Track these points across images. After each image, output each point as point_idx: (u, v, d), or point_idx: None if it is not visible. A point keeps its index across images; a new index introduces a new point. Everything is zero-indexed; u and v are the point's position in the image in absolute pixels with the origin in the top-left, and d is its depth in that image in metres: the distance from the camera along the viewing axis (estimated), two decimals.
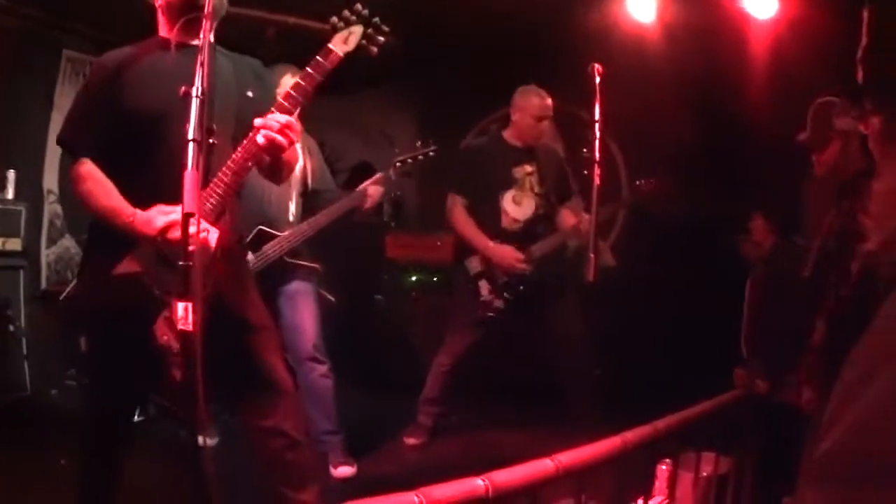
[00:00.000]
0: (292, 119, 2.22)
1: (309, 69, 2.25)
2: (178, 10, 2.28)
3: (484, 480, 1.52)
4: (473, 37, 5.33)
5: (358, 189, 3.73)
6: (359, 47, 2.27)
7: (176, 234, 2.06)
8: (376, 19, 2.28)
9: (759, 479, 3.02)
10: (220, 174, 2.20)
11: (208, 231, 2.13)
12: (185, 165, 1.69)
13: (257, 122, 2.19)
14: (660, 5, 4.45)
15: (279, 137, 2.18)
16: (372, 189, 3.70)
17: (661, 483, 2.66)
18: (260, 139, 2.18)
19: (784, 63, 4.25)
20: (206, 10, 1.90)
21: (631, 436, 1.96)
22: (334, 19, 2.27)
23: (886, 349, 0.98)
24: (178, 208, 1.90)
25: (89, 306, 2.34)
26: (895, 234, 1.08)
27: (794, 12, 4.10)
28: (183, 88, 1.76)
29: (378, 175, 3.80)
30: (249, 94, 2.44)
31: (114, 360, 2.34)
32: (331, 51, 2.24)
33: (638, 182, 4.24)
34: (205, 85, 1.77)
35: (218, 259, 2.19)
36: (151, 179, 2.20)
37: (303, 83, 2.24)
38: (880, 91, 1.15)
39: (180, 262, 1.68)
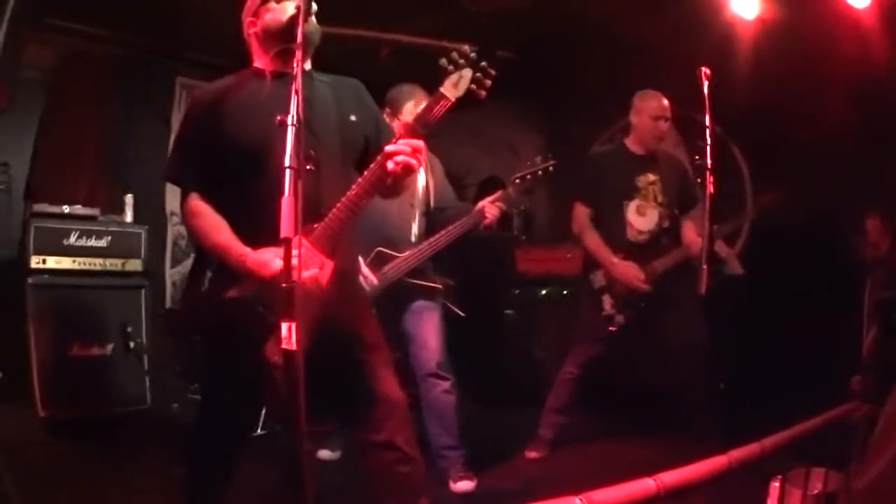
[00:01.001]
0: (421, 143, 2.26)
1: (422, 114, 2.28)
2: (273, 41, 2.34)
3: (582, 500, 1.51)
4: (596, 46, 5.31)
5: (476, 208, 3.69)
6: (468, 91, 2.29)
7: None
8: (484, 63, 2.29)
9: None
10: (336, 207, 2.24)
11: (322, 265, 2.18)
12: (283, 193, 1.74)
13: (388, 148, 2.23)
14: (762, 2, 4.32)
15: (413, 161, 2.22)
16: (488, 208, 3.69)
17: (771, 500, 2.57)
18: (391, 164, 2.21)
19: (885, 53, 4.06)
20: (298, 41, 1.95)
21: (737, 454, 1.91)
22: (444, 61, 2.29)
23: None
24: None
25: (198, 324, 2.43)
26: None
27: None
28: (279, 118, 1.81)
29: (497, 193, 3.79)
30: (353, 118, 2.47)
31: (224, 379, 2.41)
32: (443, 96, 2.27)
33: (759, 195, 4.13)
34: (300, 112, 1.81)
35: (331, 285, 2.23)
36: (255, 210, 2.22)
37: (418, 124, 2.28)
38: None
39: (283, 284, 1.73)
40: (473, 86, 2.28)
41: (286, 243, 1.70)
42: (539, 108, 6.70)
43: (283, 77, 2.32)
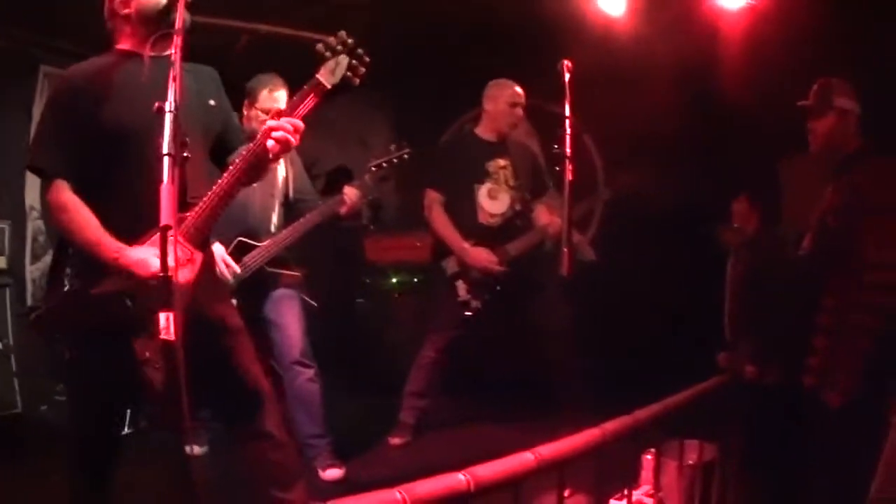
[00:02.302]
0: (301, 123, 2.26)
1: (298, 99, 2.29)
2: (149, 24, 2.28)
3: (465, 475, 1.55)
4: (445, 36, 5.36)
5: (336, 196, 3.75)
6: (343, 77, 2.31)
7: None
8: (360, 50, 2.32)
9: (744, 464, 3.06)
10: (208, 197, 2.22)
11: (192, 257, 2.15)
12: (160, 180, 1.71)
13: (270, 123, 2.23)
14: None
15: (291, 139, 2.23)
16: (348, 194, 3.72)
17: (646, 473, 2.70)
18: (271, 142, 2.21)
19: (757, 48, 4.30)
20: (177, 26, 1.92)
21: (611, 426, 1.99)
22: (320, 47, 2.31)
23: None
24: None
25: (66, 323, 2.30)
26: None
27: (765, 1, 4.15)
28: (157, 104, 1.77)
29: (355, 182, 3.81)
30: (212, 102, 2.47)
31: (93, 377, 2.33)
32: (318, 82, 2.28)
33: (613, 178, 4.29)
34: (178, 99, 1.78)
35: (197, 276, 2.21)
36: (126, 197, 2.20)
37: (292, 109, 2.28)
38: None
39: (160, 274, 1.70)
40: (349, 73, 2.30)
41: (164, 231, 1.67)
42: (387, 99, 6.74)
43: (154, 60, 2.27)
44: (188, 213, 2.20)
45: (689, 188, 4.81)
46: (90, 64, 2.34)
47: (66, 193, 2.24)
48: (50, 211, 2.29)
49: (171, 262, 1.69)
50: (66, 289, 2.27)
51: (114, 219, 2.21)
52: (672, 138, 4.85)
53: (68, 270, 2.29)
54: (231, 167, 2.25)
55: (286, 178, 3.82)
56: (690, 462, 2.83)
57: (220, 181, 2.23)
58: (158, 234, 2.08)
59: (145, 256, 2.13)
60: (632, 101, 4.75)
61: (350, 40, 2.32)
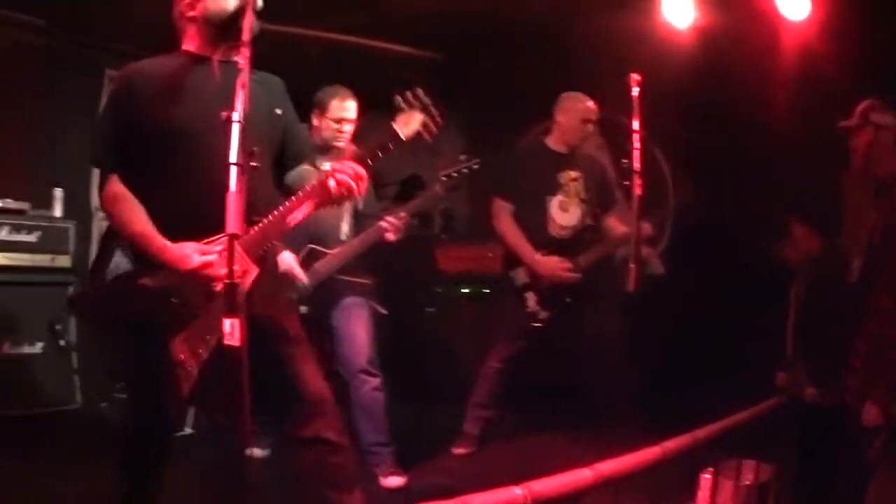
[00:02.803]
0: (364, 172, 2.30)
1: (375, 145, 2.36)
2: (215, 30, 2.32)
3: (522, 489, 1.54)
4: (517, 48, 5.36)
5: (376, 226, 3.72)
6: (416, 132, 2.39)
7: (210, 272, 2.14)
8: (434, 110, 2.39)
9: (799, 486, 3.00)
10: (270, 218, 2.25)
11: (248, 271, 2.17)
12: (218, 185, 1.74)
13: (333, 166, 2.28)
14: (696, 10, 4.42)
15: (353, 185, 2.26)
16: (389, 221, 3.68)
17: (703, 492, 2.66)
18: (332, 183, 2.24)
19: (817, 64, 4.22)
20: (246, 36, 1.94)
21: (670, 445, 1.97)
22: (398, 99, 2.39)
23: None
24: (214, 247, 2.08)
25: (105, 309, 2.39)
26: None
27: (827, 13, 4.07)
28: (224, 114, 1.79)
29: (416, 196, 3.82)
30: (278, 111, 2.49)
31: (138, 373, 2.40)
32: (395, 132, 2.35)
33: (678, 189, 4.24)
34: (246, 109, 1.80)
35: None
36: (179, 196, 2.25)
37: (368, 154, 2.35)
38: None
39: (226, 281, 1.73)
40: (422, 129, 2.37)
41: (232, 240, 1.69)
42: (460, 108, 6.74)
43: (222, 66, 2.30)
44: (248, 231, 2.21)
45: (752, 203, 4.73)
46: (152, 62, 2.37)
47: (118, 186, 2.30)
48: (102, 202, 2.36)
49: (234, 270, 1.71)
50: (110, 277, 2.34)
51: (165, 217, 2.26)
52: (735, 150, 4.78)
53: (114, 260, 2.35)
54: (293, 198, 2.28)
55: None
56: (747, 482, 2.78)
57: (279, 209, 2.26)
58: (212, 240, 2.18)
59: (188, 252, 2.18)
60: (697, 115, 4.70)
61: (426, 98, 2.38)
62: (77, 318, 4.13)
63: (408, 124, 2.35)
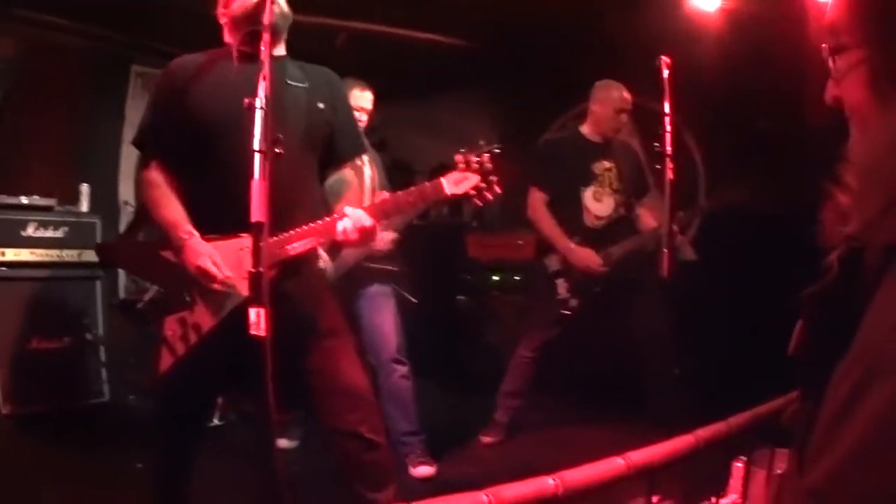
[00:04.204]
0: (371, 228, 2.28)
1: (414, 193, 2.31)
2: (240, 23, 2.34)
3: (555, 479, 1.51)
4: (549, 36, 5.32)
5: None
6: (467, 194, 2.30)
7: (206, 280, 2.21)
8: (493, 177, 2.28)
9: None
10: (292, 234, 2.25)
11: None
12: (246, 175, 1.74)
13: (345, 210, 2.27)
14: None
15: (354, 237, 2.25)
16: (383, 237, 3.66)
17: (735, 481, 2.61)
18: (339, 228, 2.24)
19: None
20: (265, 23, 1.94)
21: (704, 433, 1.93)
22: (459, 157, 2.28)
23: (882, 354, 0.80)
24: (225, 260, 2.16)
25: (127, 263, 2.62)
26: (881, 212, 0.87)
27: None
28: (246, 100, 1.79)
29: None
30: (320, 105, 2.47)
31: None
32: (440, 187, 2.29)
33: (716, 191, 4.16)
34: (267, 96, 1.79)
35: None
36: (213, 188, 2.29)
37: (402, 201, 2.32)
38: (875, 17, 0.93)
39: (251, 269, 1.72)
40: (473, 192, 2.28)
41: (257, 227, 1.68)
42: (492, 97, 6.71)
43: (251, 59, 2.30)
44: (274, 237, 2.20)
45: (791, 189, 4.64)
46: (196, 56, 2.46)
47: (156, 172, 2.39)
48: (140, 184, 2.50)
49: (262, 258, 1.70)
50: (138, 239, 2.46)
51: (199, 206, 2.32)
52: (772, 137, 4.70)
53: (144, 228, 2.47)
54: (300, 229, 2.27)
55: (373, 178, 3.87)
56: (779, 472, 2.72)
57: (298, 231, 2.27)
58: (235, 237, 2.23)
59: (203, 252, 2.22)
60: (729, 100, 4.61)
61: (488, 164, 2.29)
62: (99, 260, 4.17)
63: (458, 184, 2.28)
